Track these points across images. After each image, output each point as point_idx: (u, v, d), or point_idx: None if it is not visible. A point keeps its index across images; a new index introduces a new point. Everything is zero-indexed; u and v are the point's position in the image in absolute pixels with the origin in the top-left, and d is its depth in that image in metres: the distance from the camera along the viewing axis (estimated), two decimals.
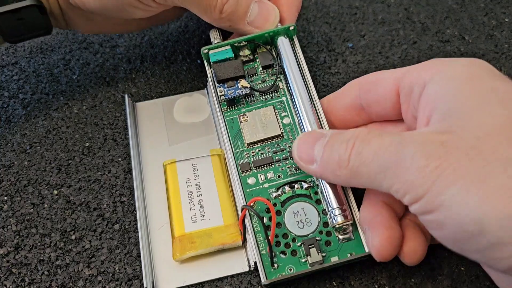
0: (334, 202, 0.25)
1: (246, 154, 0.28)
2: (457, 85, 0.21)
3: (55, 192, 0.31)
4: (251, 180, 0.27)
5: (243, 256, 0.27)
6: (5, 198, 0.31)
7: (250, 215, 0.26)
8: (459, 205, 0.18)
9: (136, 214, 0.29)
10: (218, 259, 0.27)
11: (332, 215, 0.25)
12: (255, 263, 0.25)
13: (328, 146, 0.23)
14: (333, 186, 0.25)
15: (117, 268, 0.28)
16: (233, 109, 0.30)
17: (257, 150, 0.28)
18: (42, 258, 0.28)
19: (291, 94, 0.29)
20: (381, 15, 0.41)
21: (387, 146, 0.20)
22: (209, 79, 0.30)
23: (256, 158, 0.28)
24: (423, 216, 0.20)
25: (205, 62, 0.31)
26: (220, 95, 0.29)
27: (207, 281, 0.27)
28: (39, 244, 0.29)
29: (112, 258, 0.28)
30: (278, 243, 0.25)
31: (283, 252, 0.25)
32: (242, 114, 0.29)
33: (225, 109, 0.30)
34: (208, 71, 0.30)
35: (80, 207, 0.30)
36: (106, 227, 0.29)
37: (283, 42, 0.30)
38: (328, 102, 0.28)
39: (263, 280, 0.24)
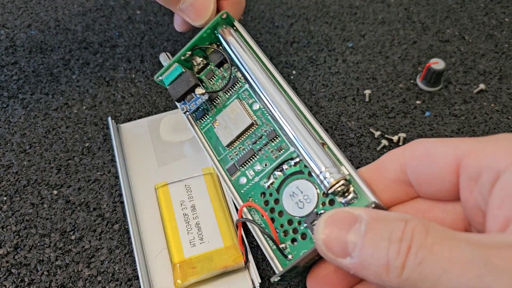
0: (321, 165, 0.22)
1: (230, 156, 0.27)
2: None
3: (55, 192, 0.31)
4: (242, 180, 0.26)
5: (246, 277, 0.26)
6: (5, 198, 0.31)
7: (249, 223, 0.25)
8: None
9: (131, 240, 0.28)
10: (221, 283, 0.26)
11: (323, 179, 0.21)
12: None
13: (369, 239, 0.17)
14: (314, 149, 0.23)
15: (117, 268, 0.28)
16: (206, 119, 0.29)
17: (238, 148, 0.27)
18: (41, 259, 0.28)
19: (248, 82, 0.27)
20: (381, 15, 0.41)
21: (463, 265, 0.15)
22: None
23: (238, 156, 0.27)
24: None
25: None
26: (185, 112, 0.29)
27: None
28: (38, 244, 0.29)
29: (112, 258, 0.28)
30: (285, 232, 0.23)
31: (294, 240, 0.23)
32: (214, 120, 0.28)
33: (200, 122, 0.29)
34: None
35: (80, 207, 0.30)
36: (106, 227, 0.29)
37: (221, 33, 0.29)
38: (368, 174, 0.23)
39: (277, 272, 0.22)
